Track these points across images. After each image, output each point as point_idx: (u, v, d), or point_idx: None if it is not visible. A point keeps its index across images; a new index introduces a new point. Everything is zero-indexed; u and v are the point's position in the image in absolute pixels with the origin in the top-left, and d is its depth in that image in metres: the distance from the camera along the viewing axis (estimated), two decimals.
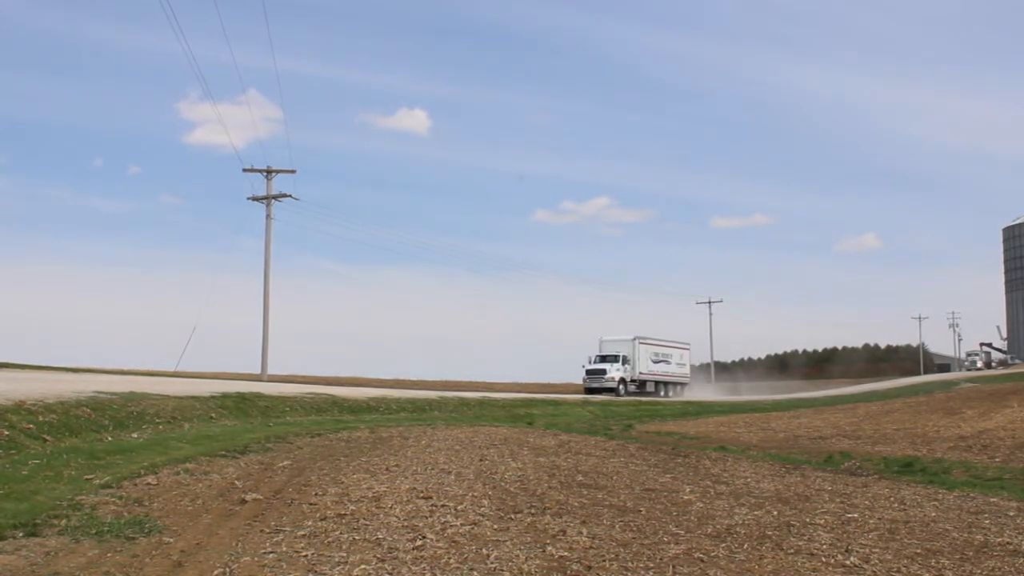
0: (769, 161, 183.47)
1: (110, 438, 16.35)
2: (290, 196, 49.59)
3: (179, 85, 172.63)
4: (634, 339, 65.34)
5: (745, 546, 9.56)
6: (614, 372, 61.92)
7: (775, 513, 11.81)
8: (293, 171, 50.18)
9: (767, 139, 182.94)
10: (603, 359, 63.78)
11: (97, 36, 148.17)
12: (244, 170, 49.63)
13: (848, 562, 8.92)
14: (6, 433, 14.30)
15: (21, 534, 8.55)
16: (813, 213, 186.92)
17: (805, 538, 10.13)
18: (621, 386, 61.27)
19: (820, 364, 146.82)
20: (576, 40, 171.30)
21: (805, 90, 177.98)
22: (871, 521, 11.42)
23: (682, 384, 72.14)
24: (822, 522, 11.21)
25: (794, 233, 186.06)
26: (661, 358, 68.57)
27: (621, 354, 63.61)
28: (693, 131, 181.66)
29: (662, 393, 67.02)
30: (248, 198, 49.78)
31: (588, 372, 63.07)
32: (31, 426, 15.21)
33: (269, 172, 49.30)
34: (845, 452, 21.40)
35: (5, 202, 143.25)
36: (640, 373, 65.01)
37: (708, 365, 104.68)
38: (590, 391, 60.47)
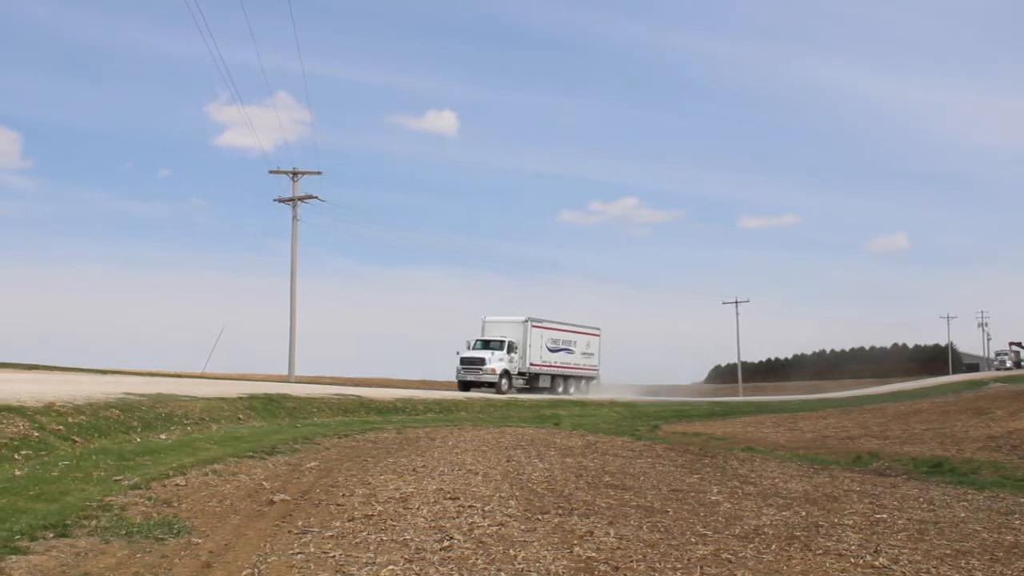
0: (798, 161, 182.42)
1: (139, 439, 16.43)
2: (316, 197, 49.83)
3: (209, 88, 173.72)
4: (526, 321, 52.69)
5: (773, 547, 9.52)
6: (496, 362, 49.12)
7: (803, 514, 11.75)
8: (319, 172, 50.38)
9: (796, 138, 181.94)
10: (485, 345, 50.87)
11: (127, 40, 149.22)
12: (270, 172, 49.89)
13: (877, 563, 8.87)
14: (36, 434, 14.39)
15: (51, 535, 8.60)
16: (842, 213, 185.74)
17: (834, 539, 10.09)
18: (504, 380, 49.02)
19: (848, 363, 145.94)
20: (604, 40, 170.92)
21: (835, 89, 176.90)
22: (900, 522, 11.35)
23: (588, 379, 58.21)
24: (851, 523, 11.16)
25: (823, 233, 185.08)
26: (561, 346, 55.34)
27: (507, 339, 50.59)
28: (722, 131, 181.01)
29: (560, 389, 54.18)
30: (274, 200, 50.05)
31: (463, 361, 49.93)
32: (61, 427, 15.31)
33: (295, 174, 49.48)
34: (873, 452, 21.28)
35: (37, 205, 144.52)
36: (532, 364, 52.19)
37: (735, 366, 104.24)
38: (464, 385, 49.28)
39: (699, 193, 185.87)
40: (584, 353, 57.35)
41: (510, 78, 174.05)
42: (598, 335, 59.01)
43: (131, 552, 8.18)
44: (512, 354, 50.37)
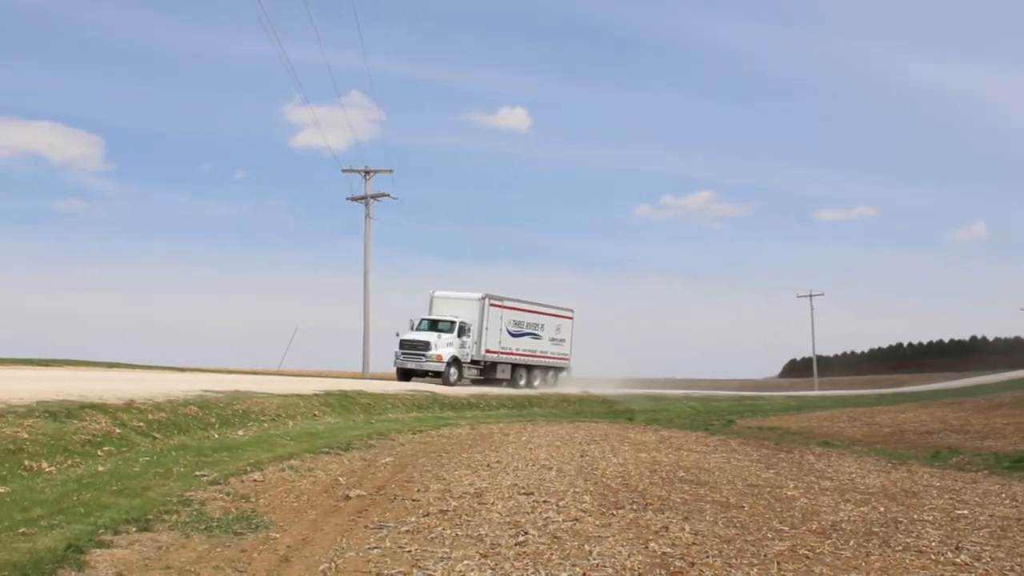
0: (874, 152, 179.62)
1: (217, 436, 16.65)
2: (388, 195, 50.00)
3: (285, 89, 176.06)
4: (482, 298, 43.20)
5: (851, 543, 9.41)
6: (443, 347, 40.13)
7: (881, 509, 11.59)
8: (390, 171, 50.46)
9: (872, 130, 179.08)
10: (432, 326, 41.71)
11: (205, 44, 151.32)
12: (343, 170, 50.13)
13: (959, 560, 8.73)
14: (118, 431, 14.65)
15: (134, 529, 8.75)
16: (919, 204, 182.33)
17: (913, 535, 9.94)
18: (453, 369, 40.22)
19: (925, 357, 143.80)
20: (676, 35, 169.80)
21: (911, 79, 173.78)
22: (982, 518, 11.14)
23: (556, 369, 48.40)
24: (930, 519, 10.98)
25: (900, 224, 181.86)
26: (525, 329, 45.71)
27: (459, 320, 41.45)
28: (796, 123, 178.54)
29: (522, 382, 44.89)
30: (347, 198, 50.30)
31: (403, 345, 40.70)
32: (141, 424, 15.56)
33: (367, 172, 49.78)
34: (953, 447, 20.89)
35: (119, 207, 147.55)
36: (487, 351, 42.82)
37: (810, 360, 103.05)
38: (404, 374, 41.02)
39: (774, 186, 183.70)
40: (553, 339, 47.88)
41: (582, 74, 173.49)
42: (570, 318, 49.53)
43: (211, 546, 8.31)
44: (464, 338, 41.43)
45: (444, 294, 44.34)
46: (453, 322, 41.13)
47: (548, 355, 47.36)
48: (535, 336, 46.26)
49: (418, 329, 41.61)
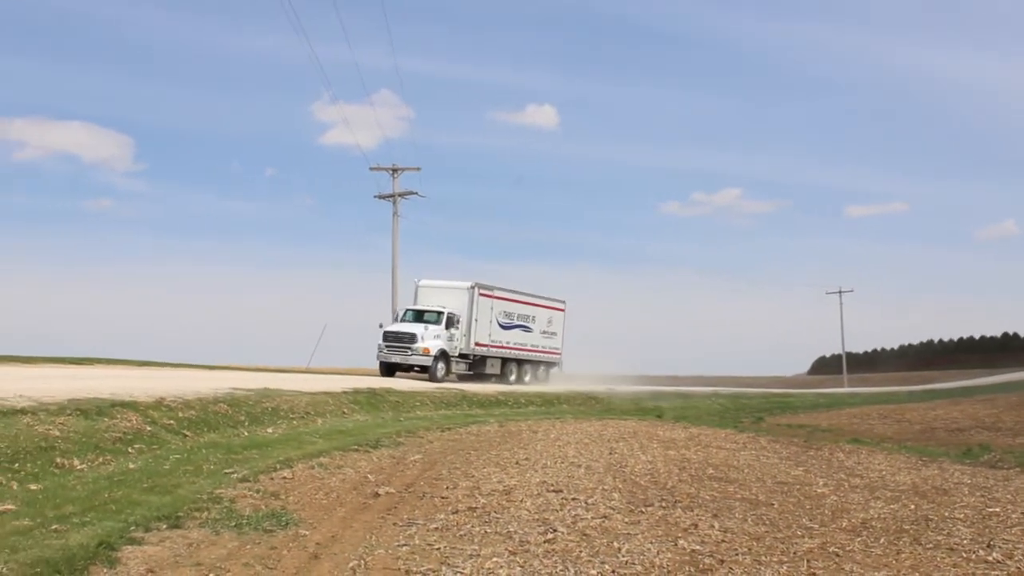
0: (904, 148, 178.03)
1: (246, 433, 16.73)
2: (415, 193, 50.06)
3: (314, 88, 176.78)
4: (472, 287, 40.35)
5: (882, 540, 9.36)
6: (430, 340, 37.27)
7: (912, 507, 11.52)
8: (418, 169, 50.50)
9: (902, 125, 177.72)
10: (418, 317, 38.97)
11: (234, 43, 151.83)
12: (370, 169, 50.17)
13: (991, 558, 8.66)
14: (148, 429, 14.75)
15: (165, 526, 8.82)
16: (950, 200, 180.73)
17: (944, 532, 9.87)
18: (440, 363, 37.48)
19: (956, 353, 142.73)
20: (705, 31, 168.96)
21: (941, 75, 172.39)
22: (1014, 515, 11.05)
23: (548, 364, 45.58)
24: (962, 516, 10.89)
25: (930, 220, 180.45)
26: (516, 321, 42.81)
27: (446, 311, 38.62)
28: (826, 119, 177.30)
29: (512, 377, 41.97)
30: (375, 196, 50.37)
31: (387, 337, 37.84)
32: (172, 422, 15.66)
33: (394, 170, 49.87)
34: (984, 444, 20.71)
35: (150, 206, 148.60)
36: (477, 344, 39.92)
37: (840, 356, 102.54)
38: (388, 369, 38.10)
39: (803, 182, 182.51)
40: (545, 332, 44.96)
41: (610, 70, 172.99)
42: (562, 309, 46.56)
43: (241, 543, 8.35)
44: (452, 330, 38.54)
45: (431, 283, 41.84)
46: (441, 313, 38.47)
47: (539, 349, 44.69)
48: (526, 328, 43.64)
49: (403, 320, 39.25)
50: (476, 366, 40.18)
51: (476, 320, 39.75)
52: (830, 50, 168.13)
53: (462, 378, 39.39)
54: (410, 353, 36.93)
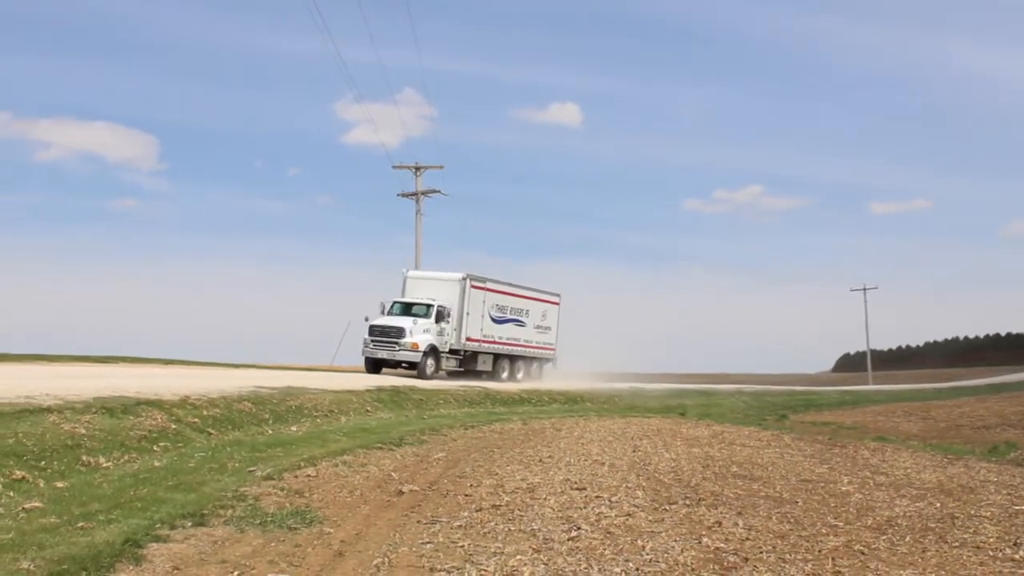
0: (928, 144, 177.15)
1: (270, 431, 16.80)
2: (438, 192, 50.12)
3: (338, 87, 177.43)
4: (464, 279, 37.96)
5: (907, 538, 9.30)
6: (419, 334, 35.12)
7: (938, 505, 11.44)
8: (441, 167, 50.50)
9: (926, 121, 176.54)
10: (406, 310, 36.71)
11: (257, 43, 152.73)
12: (393, 167, 50.22)
13: (1018, 556, 8.60)
14: (173, 427, 14.82)
15: (190, 523, 8.85)
16: (975, 196, 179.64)
17: (970, 531, 9.80)
18: (430, 359, 35.25)
19: (982, 350, 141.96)
20: (728, 27, 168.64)
21: (965, 70, 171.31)
22: None
23: (541, 360, 43.28)
24: (988, 514, 10.81)
25: (955, 217, 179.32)
26: (510, 315, 40.63)
27: (436, 304, 36.42)
28: (849, 116, 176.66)
29: (504, 374, 39.71)
30: (397, 195, 50.46)
31: (373, 331, 35.57)
32: (196, 420, 15.74)
33: (417, 168, 49.93)
34: (1011, 442, 20.60)
35: (173, 206, 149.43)
36: (468, 339, 37.71)
37: (864, 354, 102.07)
38: (374, 365, 36.04)
39: (827, 179, 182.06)
40: (538, 326, 42.61)
41: (632, 68, 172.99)
42: (557, 303, 44.16)
43: (265, 541, 8.38)
44: (443, 324, 36.38)
45: (419, 274, 39.74)
46: (430, 306, 36.24)
47: (533, 344, 42.35)
48: (519, 323, 41.27)
49: (390, 313, 36.74)
50: (467, 362, 38.14)
51: (467, 314, 37.60)
52: (853, 46, 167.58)
53: (452, 375, 37.45)
54: (398, 348, 34.82)
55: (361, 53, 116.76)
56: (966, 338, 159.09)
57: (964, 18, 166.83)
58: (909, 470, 14.96)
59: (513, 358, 40.64)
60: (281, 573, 7.36)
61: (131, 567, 7.30)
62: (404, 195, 50.22)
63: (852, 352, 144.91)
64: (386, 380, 29.49)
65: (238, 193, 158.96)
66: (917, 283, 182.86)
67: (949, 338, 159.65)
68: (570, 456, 15.26)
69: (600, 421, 23.61)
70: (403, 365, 35.60)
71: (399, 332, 34.70)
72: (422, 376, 34.06)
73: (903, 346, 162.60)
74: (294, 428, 17.58)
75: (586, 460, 14.81)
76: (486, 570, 7.55)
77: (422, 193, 49.85)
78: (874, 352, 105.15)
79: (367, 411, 21.93)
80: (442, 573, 7.48)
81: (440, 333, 36.07)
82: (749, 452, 16.88)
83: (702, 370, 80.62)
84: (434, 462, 14.25)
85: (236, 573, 7.30)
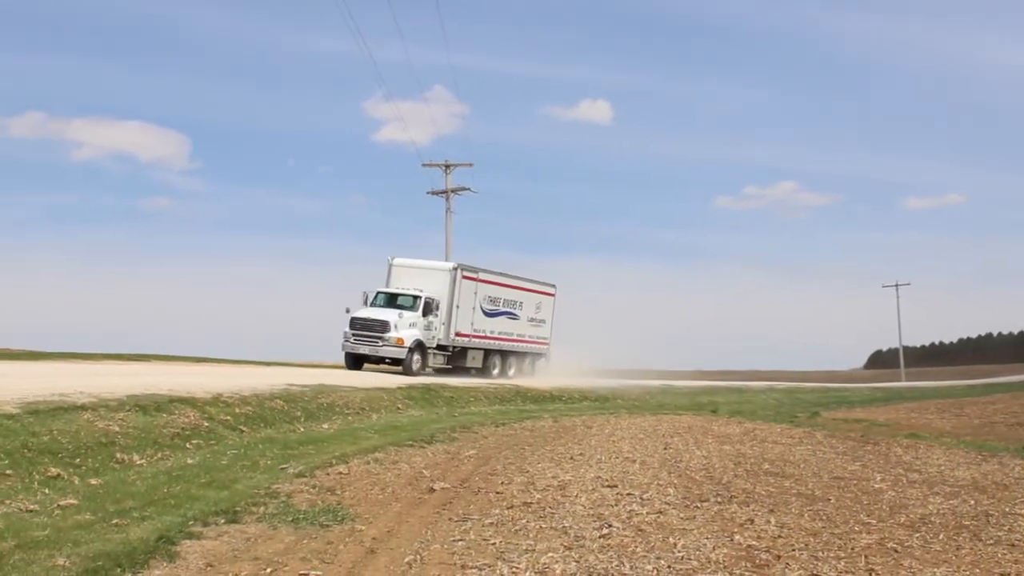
0: (962, 139, 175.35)
1: (302, 429, 16.87)
2: (468, 189, 50.12)
3: (368, 85, 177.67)
4: (455, 268, 35.63)
5: (941, 536, 9.23)
6: (405, 328, 32.46)
7: (972, 502, 11.36)
8: (470, 164, 50.47)
9: (959, 116, 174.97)
10: (390, 301, 33.92)
11: (288, 42, 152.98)
12: (423, 165, 50.27)
13: None
14: (206, 425, 14.91)
15: (222, 520, 8.90)
16: (1009, 191, 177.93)
17: (1005, 528, 9.72)
18: (416, 355, 32.78)
19: (1017, 346, 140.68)
20: (758, 23, 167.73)
21: (997, 64, 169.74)
22: None
23: (535, 356, 40.95)
24: (1023, 512, 10.72)
25: (989, 212, 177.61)
26: (503, 308, 38.06)
27: (424, 295, 33.76)
28: (882, 110, 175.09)
29: (495, 371, 37.43)
30: (427, 192, 50.50)
31: (355, 324, 32.77)
32: (228, 418, 15.82)
33: (447, 166, 49.98)
34: None
35: (206, 205, 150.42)
36: (458, 334, 35.16)
37: (896, 351, 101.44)
38: (354, 361, 33.35)
39: (859, 175, 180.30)
40: (532, 320, 40.07)
41: (663, 64, 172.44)
42: (552, 294, 41.71)
43: (298, 538, 8.41)
44: (431, 317, 33.75)
45: (406, 262, 36.21)
46: (417, 297, 33.64)
47: (526, 339, 39.88)
48: (512, 316, 38.86)
49: (373, 305, 33.81)
50: (455, 359, 35.64)
51: (458, 306, 35.00)
52: (886, 41, 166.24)
53: (439, 372, 35.00)
54: (381, 344, 32.11)
55: (391, 51, 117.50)
56: (1000, 334, 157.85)
57: (998, 11, 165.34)
58: (943, 467, 14.85)
59: (505, 353, 38.49)
60: (313, 570, 7.38)
61: (165, 564, 7.34)
62: (434, 193, 50.29)
63: (884, 349, 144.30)
64: (417, 378, 29.54)
65: (269, 191, 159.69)
66: (950, 279, 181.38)
67: (983, 334, 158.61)
68: (601, 453, 15.24)
69: (631, 418, 23.58)
70: (386, 361, 33.04)
71: (383, 326, 32.19)
72: (407, 373, 31.78)
73: (936, 343, 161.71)
74: (326, 426, 17.65)
75: (617, 457, 14.79)
76: (518, 567, 7.54)
77: (452, 191, 49.89)
78: (906, 349, 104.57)
79: (398, 409, 22.00)
80: (474, 570, 7.48)
81: (428, 327, 33.67)
82: (781, 449, 16.81)
83: (734, 367, 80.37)
84: (465, 459, 14.26)
85: (269, 570, 7.34)
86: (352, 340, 32.68)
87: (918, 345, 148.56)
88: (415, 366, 32.55)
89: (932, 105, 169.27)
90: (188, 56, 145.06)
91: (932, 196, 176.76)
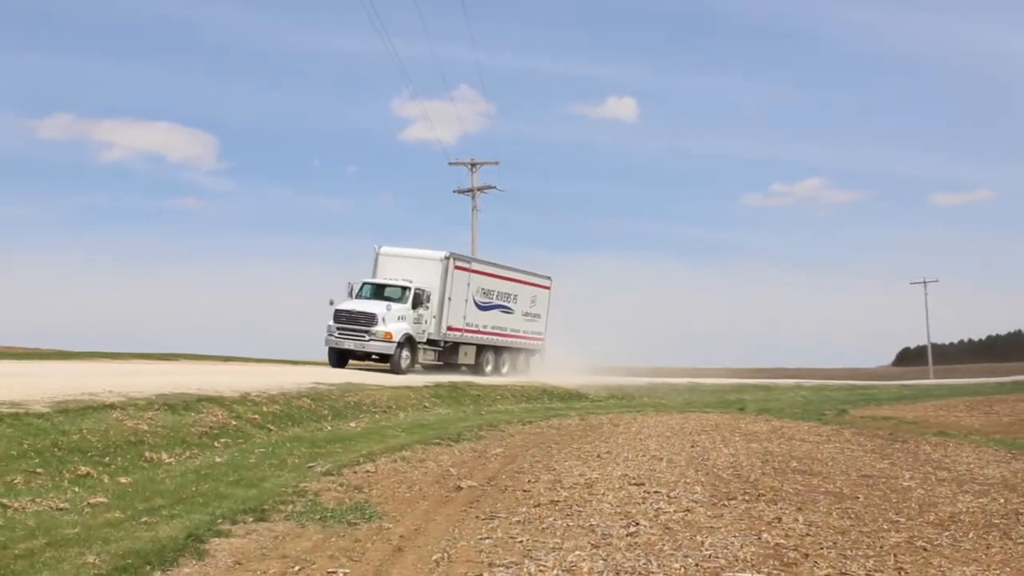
0: (991, 134, 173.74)
1: (329, 427, 16.92)
2: (494, 187, 50.10)
3: (394, 84, 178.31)
4: (447, 258, 33.06)
5: (970, 535, 9.18)
6: (393, 322, 30.16)
7: (1002, 501, 11.28)
8: (496, 163, 50.40)
9: (988, 112, 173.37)
10: (377, 292, 31.94)
11: (314, 41, 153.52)
12: (449, 163, 50.26)
13: None
14: (234, 423, 14.97)
15: (251, 519, 8.94)
16: None
17: None
18: (405, 351, 30.55)
19: None
20: (785, 19, 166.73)
21: None
22: None
23: (529, 351, 38.85)
24: None
25: (1019, 208, 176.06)
26: (496, 301, 35.91)
27: (413, 286, 31.39)
28: (909, 106, 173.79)
29: (488, 368, 35.18)
30: (454, 191, 50.49)
31: (339, 317, 30.45)
32: (256, 417, 15.88)
33: (473, 165, 49.99)
34: None
35: (235, 205, 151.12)
36: (450, 328, 32.82)
37: (925, 348, 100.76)
38: (339, 357, 31.12)
39: (887, 171, 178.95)
40: (527, 314, 37.96)
41: (689, 62, 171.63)
42: (548, 287, 39.58)
43: (325, 536, 8.44)
44: (421, 310, 31.44)
45: (395, 251, 33.88)
46: (407, 288, 31.26)
47: (520, 334, 37.79)
48: (506, 310, 36.61)
49: (359, 296, 31.72)
50: (446, 355, 33.44)
51: (450, 299, 32.66)
52: (913, 36, 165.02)
53: (428, 369, 32.87)
54: (368, 338, 29.80)
55: (417, 50, 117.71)
56: None
57: None
58: (972, 465, 14.75)
59: (499, 349, 36.41)
60: (341, 568, 7.41)
61: (194, 561, 7.39)
62: (460, 191, 50.31)
63: (912, 346, 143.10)
64: (444, 376, 29.53)
65: (297, 191, 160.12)
66: (979, 276, 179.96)
67: (1012, 331, 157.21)
68: (628, 451, 15.22)
69: (658, 416, 23.53)
70: (373, 357, 30.66)
71: (370, 319, 29.91)
72: (396, 371, 29.96)
73: (964, 340, 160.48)
74: (353, 424, 17.70)
75: (644, 455, 14.76)
76: (545, 565, 7.54)
77: (478, 189, 49.90)
78: (934, 346, 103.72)
79: (425, 407, 22.04)
80: (501, 568, 7.49)
81: (417, 320, 31.37)
82: (808, 447, 16.73)
83: (761, 364, 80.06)
84: (492, 458, 14.27)
85: (297, 568, 7.37)
86: (336, 334, 30.48)
87: (946, 342, 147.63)
88: (404, 363, 30.51)
89: (960, 101, 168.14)
90: (215, 57, 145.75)
91: (961, 192, 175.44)
